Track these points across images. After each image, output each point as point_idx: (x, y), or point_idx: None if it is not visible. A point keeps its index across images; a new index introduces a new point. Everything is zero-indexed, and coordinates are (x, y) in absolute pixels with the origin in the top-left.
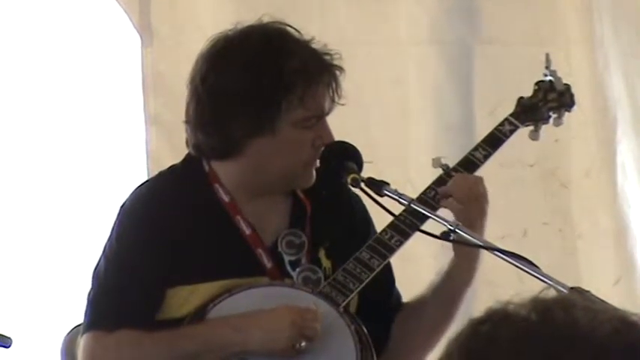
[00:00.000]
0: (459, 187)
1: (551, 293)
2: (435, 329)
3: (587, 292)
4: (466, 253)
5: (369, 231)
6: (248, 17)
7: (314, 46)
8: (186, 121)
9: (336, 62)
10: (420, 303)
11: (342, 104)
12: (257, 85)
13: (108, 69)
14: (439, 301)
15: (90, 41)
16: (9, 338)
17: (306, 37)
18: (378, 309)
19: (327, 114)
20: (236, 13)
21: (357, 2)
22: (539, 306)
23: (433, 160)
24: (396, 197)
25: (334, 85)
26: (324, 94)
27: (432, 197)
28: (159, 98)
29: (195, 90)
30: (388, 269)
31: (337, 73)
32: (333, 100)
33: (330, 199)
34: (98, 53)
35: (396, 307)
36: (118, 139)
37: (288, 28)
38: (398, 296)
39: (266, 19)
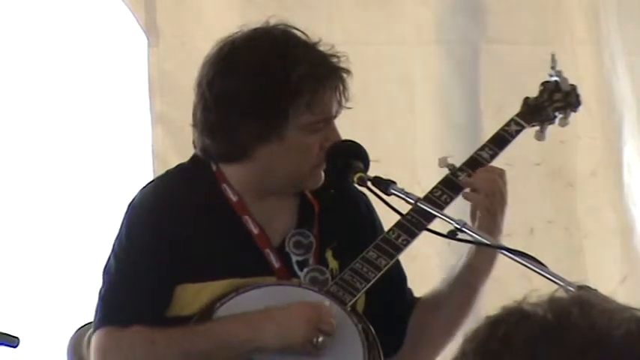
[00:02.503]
0: (483, 180)
1: (567, 292)
2: (454, 321)
3: (595, 290)
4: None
5: (375, 229)
6: (254, 17)
7: (321, 48)
8: (193, 125)
9: (342, 65)
10: (436, 297)
11: (350, 107)
12: (264, 92)
13: (114, 69)
14: (460, 291)
15: (96, 41)
16: (16, 338)
17: (313, 39)
18: (393, 307)
19: (335, 117)
20: (242, 13)
21: (363, 2)
22: (556, 306)
23: (439, 159)
24: (403, 196)
25: (341, 88)
26: (332, 98)
27: (438, 196)
28: (165, 98)
29: (202, 95)
30: (399, 267)
31: (344, 76)
32: (340, 103)
33: (338, 198)
34: (104, 53)
35: (411, 303)
36: (124, 139)
37: (294, 31)
38: (411, 293)
39: (272, 21)
